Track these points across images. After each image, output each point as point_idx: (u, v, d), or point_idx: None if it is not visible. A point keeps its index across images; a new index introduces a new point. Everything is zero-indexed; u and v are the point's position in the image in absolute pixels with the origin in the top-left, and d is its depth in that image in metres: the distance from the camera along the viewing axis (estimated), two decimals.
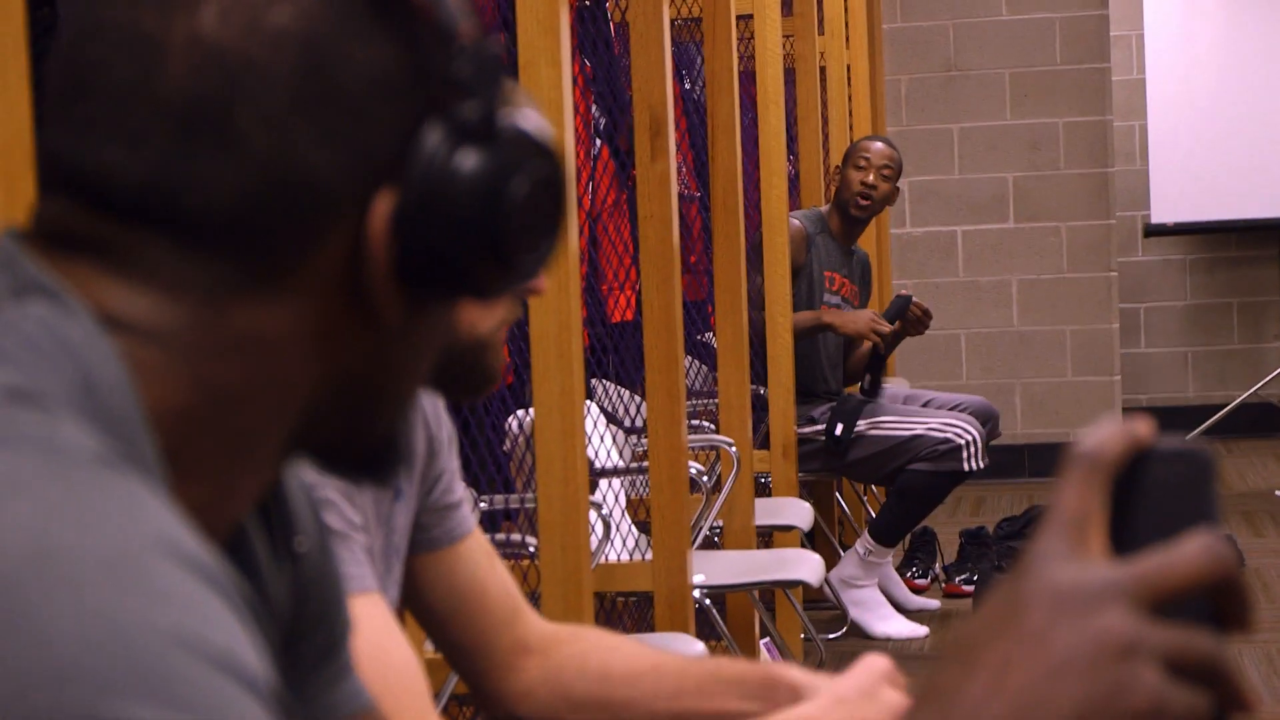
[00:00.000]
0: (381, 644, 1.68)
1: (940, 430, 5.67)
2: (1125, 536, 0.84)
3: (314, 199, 0.88)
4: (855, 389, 6.03)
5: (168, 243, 0.87)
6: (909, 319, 5.92)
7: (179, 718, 0.70)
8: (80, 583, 0.71)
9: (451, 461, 1.94)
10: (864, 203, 5.98)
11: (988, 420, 5.95)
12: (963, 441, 5.65)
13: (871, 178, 5.97)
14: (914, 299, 5.93)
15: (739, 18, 4.93)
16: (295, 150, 0.87)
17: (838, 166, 6.18)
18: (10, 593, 0.70)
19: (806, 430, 5.81)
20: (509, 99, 0.93)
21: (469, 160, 0.90)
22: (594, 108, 4.92)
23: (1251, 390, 9.98)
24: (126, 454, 0.81)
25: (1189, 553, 0.81)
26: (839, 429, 5.76)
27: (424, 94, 0.90)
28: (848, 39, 7.46)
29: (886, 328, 5.86)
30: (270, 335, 0.89)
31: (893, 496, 5.84)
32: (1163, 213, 10.05)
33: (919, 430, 5.69)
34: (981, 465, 5.69)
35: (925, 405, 6.07)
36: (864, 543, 5.88)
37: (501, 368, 1.81)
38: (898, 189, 6.13)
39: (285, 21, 0.87)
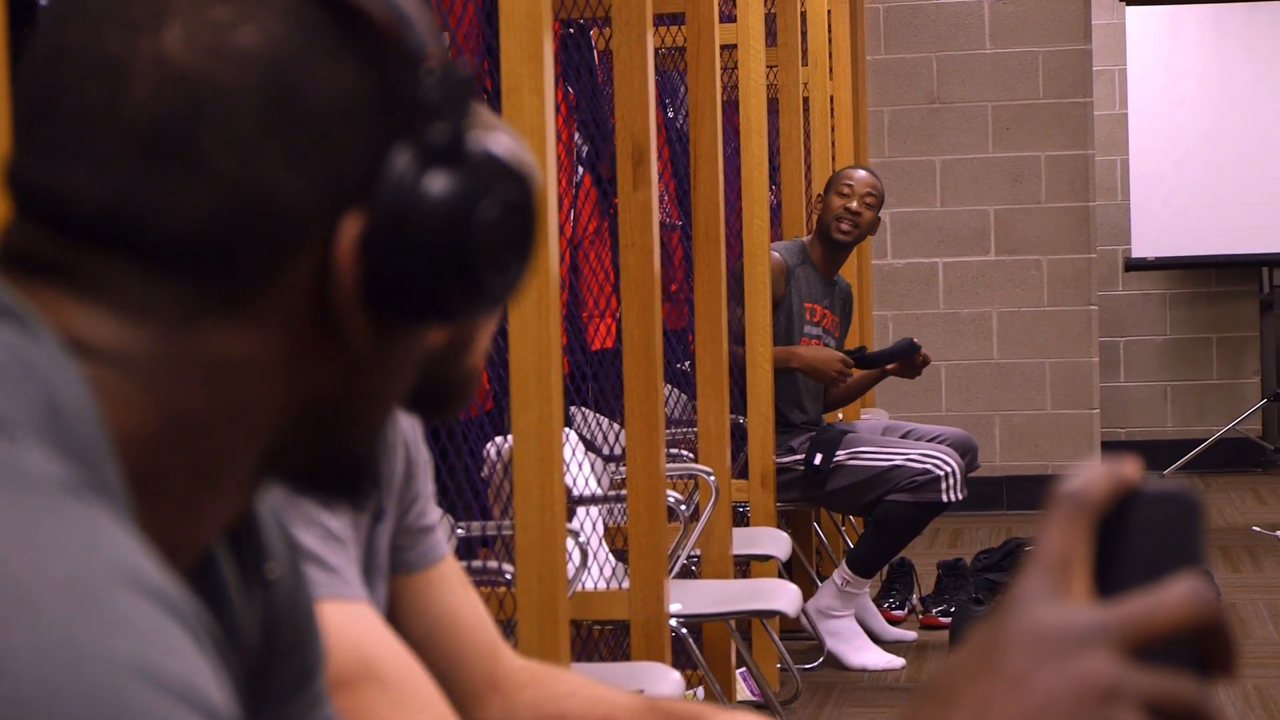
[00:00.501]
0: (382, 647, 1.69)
1: (919, 461, 5.68)
2: (1110, 578, 0.84)
3: (280, 222, 0.87)
4: (832, 417, 6.04)
5: (133, 266, 0.86)
6: (908, 364, 5.97)
7: None
8: (37, 611, 0.70)
9: (427, 486, 1.94)
10: (846, 229, 5.99)
11: (966, 452, 5.96)
12: (942, 473, 5.66)
13: (855, 204, 5.99)
14: (921, 350, 5.97)
15: (723, 47, 4.94)
16: (261, 173, 0.86)
17: (819, 195, 6.19)
18: None
19: (786, 460, 5.82)
20: (479, 121, 0.93)
21: (437, 183, 0.89)
22: (577, 135, 4.93)
23: (1230, 425, 10.01)
24: (91, 480, 0.80)
25: (1174, 596, 0.81)
26: (818, 459, 5.76)
27: (391, 117, 0.89)
28: (831, 70, 7.48)
29: (852, 372, 5.90)
30: (237, 359, 0.88)
31: (871, 527, 5.84)
32: (1143, 247, 10.09)
33: (898, 461, 5.70)
34: (960, 497, 5.70)
35: (904, 436, 6.07)
36: (841, 573, 5.88)
37: (474, 385, 1.81)
38: (879, 218, 6.15)
39: (250, 43, 0.87)
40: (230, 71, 0.86)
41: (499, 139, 0.93)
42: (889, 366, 5.99)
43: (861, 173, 6.08)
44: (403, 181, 0.89)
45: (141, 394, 0.86)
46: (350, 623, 1.61)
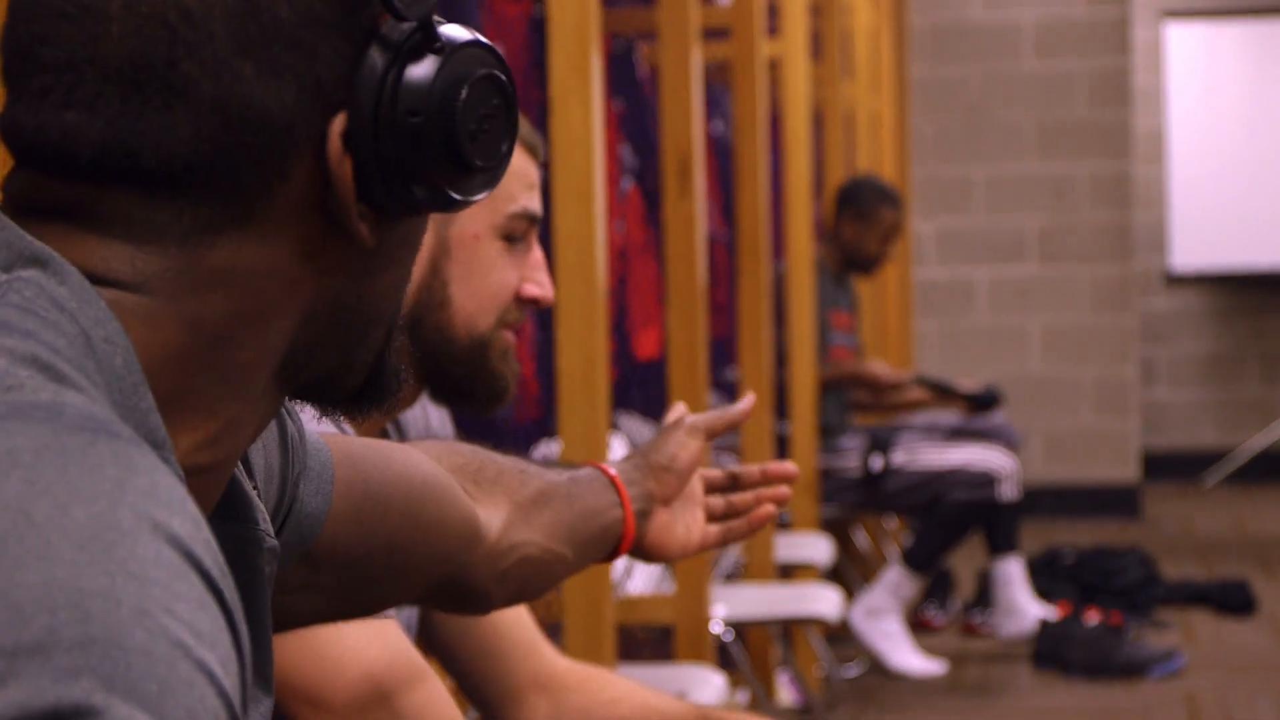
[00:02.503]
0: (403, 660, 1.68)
1: (979, 461, 5.81)
2: None
3: (269, 134, 0.90)
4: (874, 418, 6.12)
5: (137, 196, 0.90)
6: (981, 408, 6.13)
7: (130, 693, 0.70)
8: (52, 552, 0.72)
9: None
10: (863, 264, 6.14)
11: (1014, 448, 6.13)
12: (1001, 474, 5.79)
13: (875, 248, 6.10)
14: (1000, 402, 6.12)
15: (767, 62, 4.99)
16: (243, 90, 0.89)
17: (839, 203, 6.19)
18: None
19: (837, 464, 5.91)
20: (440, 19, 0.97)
21: (412, 72, 0.93)
22: (625, 147, 4.99)
23: (1269, 436, 10.02)
24: (127, 409, 0.84)
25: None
26: (876, 464, 5.87)
27: (359, 18, 0.92)
28: (875, 84, 7.53)
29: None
30: (250, 269, 0.92)
31: (930, 525, 5.91)
32: (1183, 260, 10.12)
33: (956, 461, 5.82)
34: (1015, 496, 5.83)
35: (954, 433, 6.19)
36: (895, 572, 5.94)
37: (515, 378, 1.84)
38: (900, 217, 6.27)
39: None
40: None
41: (461, 30, 0.97)
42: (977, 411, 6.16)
43: (890, 215, 6.10)
44: (379, 75, 0.92)
45: (165, 314, 0.90)
46: (368, 643, 1.61)
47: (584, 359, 2.87)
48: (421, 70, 0.93)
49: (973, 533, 5.94)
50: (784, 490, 1.64)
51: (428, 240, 1.82)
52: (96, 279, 0.89)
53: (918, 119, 9.00)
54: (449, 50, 0.94)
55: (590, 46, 2.85)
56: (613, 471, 1.55)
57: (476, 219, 1.83)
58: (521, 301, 1.85)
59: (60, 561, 0.72)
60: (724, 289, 6.02)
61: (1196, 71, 10.08)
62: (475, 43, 0.96)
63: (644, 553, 1.59)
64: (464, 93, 0.94)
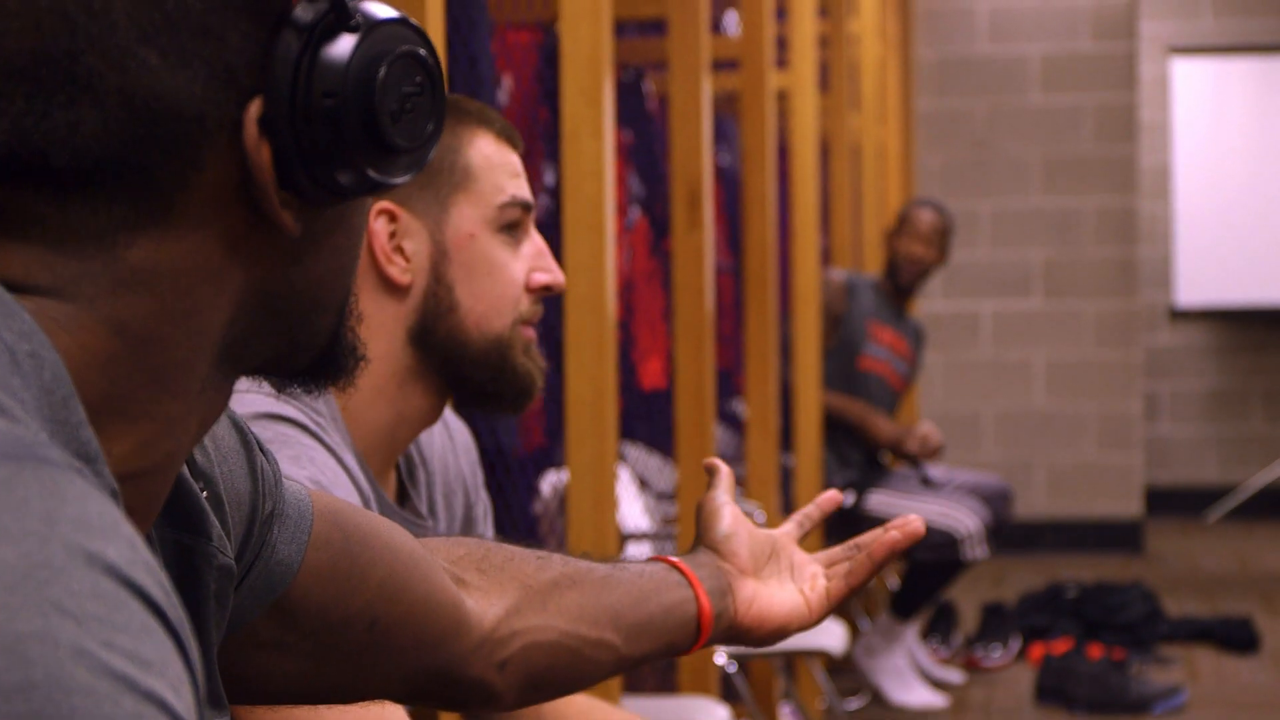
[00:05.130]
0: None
1: (939, 521, 5.73)
2: None
3: (180, 124, 0.87)
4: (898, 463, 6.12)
5: (47, 196, 0.87)
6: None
7: None
8: None
9: (487, 532, 1.97)
10: (912, 269, 6.11)
11: (1001, 502, 6.03)
12: (960, 535, 5.72)
13: (919, 250, 6.09)
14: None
15: (776, 93, 5.00)
16: (150, 80, 0.87)
17: (891, 230, 6.27)
18: None
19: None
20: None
21: (327, 52, 0.90)
22: (633, 176, 4.99)
23: (1272, 473, 10.01)
24: (57, 424, 0.81)
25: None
26: (849, 500, 5.83)
27: (270, 1, 0.90)
28: (881, 117, 7.54)
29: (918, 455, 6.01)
30: (174, 265, 0.89)
31: (905, 577, 5.93)
32: (1188, 296, 10.11)
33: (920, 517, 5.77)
34: (981, 555, 5.77)
35: (942, 485, 6.12)
36: (885, 616, 5.94)
37: (541, 372, 1.82)
38: (947, 251, 6.22)
39: None
40: None
41: (382, 7, 0.94)
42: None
43: (927, 214, 6.14)
44: (292, 58, 0.89)
45: (88, 319, 0.87)
46: None
47: (593, 389, 2.86)
48: (337, 50, 0.90)
49: (947, 586, 5.92)
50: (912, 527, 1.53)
51: (425, 247, 1.80)
52: (15, 287, 0.86)
53: (924, 152, 9.01)
54: (366, 28, 0.91)
55: (603, 78, 2.85)
56: (672, 558, 1.45)
57: (468, 217, 1.81)
58: (532, 292, 1.83)
59: None
60: (729, 320, 6.01)
61: (1203, 107, 10.08)
62: (395, 20, 0.93)
63: (748, 630, 1.46)
64: (382, 71, 0.91)
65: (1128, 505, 9.03)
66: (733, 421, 5.85)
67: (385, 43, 0.92)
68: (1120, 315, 8.97)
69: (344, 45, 0.90)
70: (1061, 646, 6.34)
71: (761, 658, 4.68)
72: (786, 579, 1.49)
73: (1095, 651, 6.19)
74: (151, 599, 0.74)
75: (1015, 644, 6.52)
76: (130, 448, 0.89)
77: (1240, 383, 10.25)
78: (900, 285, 6.13)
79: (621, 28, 4.89)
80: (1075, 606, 6.83)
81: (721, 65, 5.22)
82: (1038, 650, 6.42)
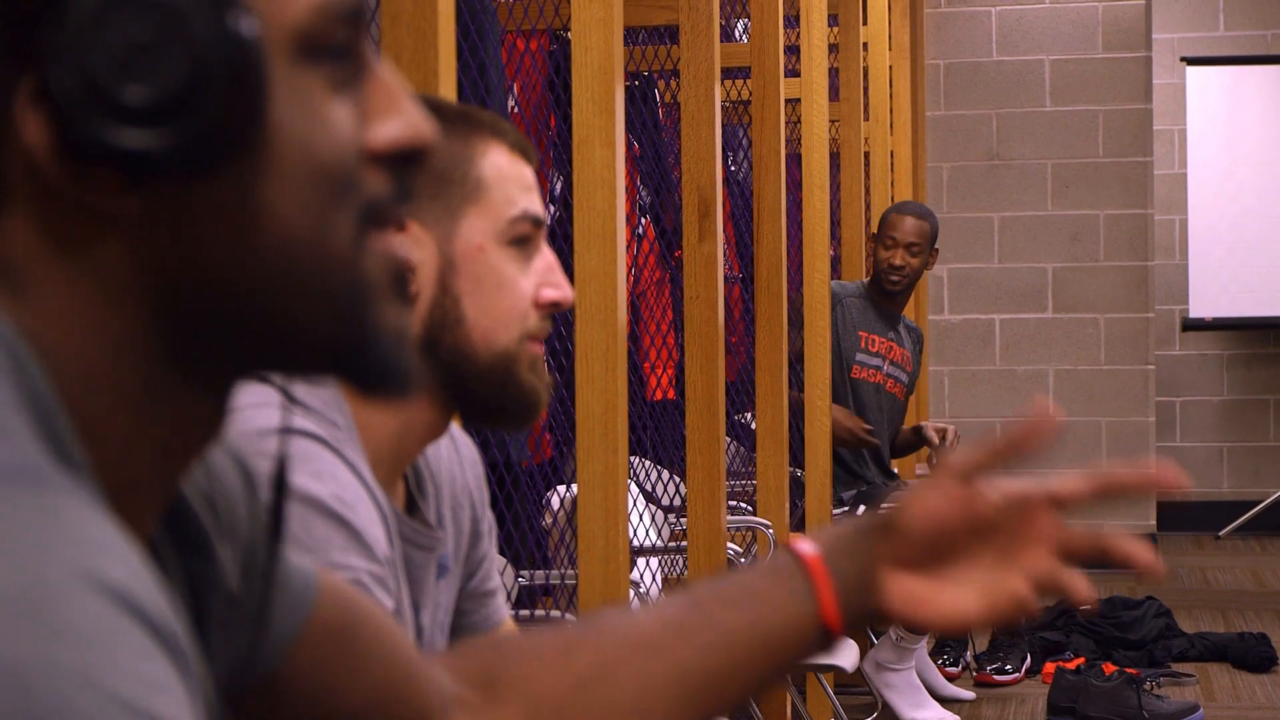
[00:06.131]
0: None
1: None
2: None
3: None
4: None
5: None
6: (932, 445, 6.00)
7: None
8: None
9: (492, 549, 1.95)
10: (895, 280, 6.03)
11: None
12: None
13: (899, 258, 6.00)
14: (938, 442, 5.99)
15: (786, 101, 4.96)
16: None
17: (873, 235, 6.20)
18: None
19: (835, 513, 5.82)
20: None
21: (66, 13, 0.81)
22: (640, 185, 4.95)
23: None
24: (48, 433, 0.79)
25: None
26: (860, 514, 5.78)
27: None
28: (892, 125, 7.50)
29: (870, 441, 5.91)
30: (23, 254, 0.83)
31: None
32: (1201, 307, 10.06)
33: None
34: None
35: None
36: (896, 629, 5.88)
37: (547, 388, 1.78)
38: (933, 254, 6.11)
39: None
40: None
41: None
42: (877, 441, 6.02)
43: (906, 219, 6.02)
44: (50, 25, 0.81)
45: None
46: None
47: (604, 401, 2.83)
48: (71, 6, 0.80)
49: None
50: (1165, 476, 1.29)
51: (432, 258, 1.76)
52: None
53: (934, 160, 8.96)
54: None
55: (615, 86, 2.82)
56: (811, 549, 1.30)
57: (478, 230, 1.77)
58: (541, 308, 1.79)
59: None
60: (737, 330, 5.96)
61: (1216, 117, 10.03)
62: None
63: (899, 619, 1.30)
64: (87, 23, 0.80)
65: (1140, 520, 8.97)
66: (741, 434, 5.80)
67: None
68: (1133, 327, 8.91)
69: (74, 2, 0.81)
70: (1074, 663, 6.28)
71: None
72: (981, 570, 1.30)
73: (1109, 668, 6.13)
74: (151, 617, 0.72)
75: (1027, 661, 6.46)
76: (91, 461, 0.83)
77: (1254, 395, 10.20)
78: (885, 293, 6.06)
79: (632, 35, 4.85)
80: (1088, 623, 6.78)
81: (732, 73, 5.19)
82: (1050, 667, 6.36)
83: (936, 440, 5.98)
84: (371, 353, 0.89)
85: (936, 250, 6.12)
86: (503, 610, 1.94)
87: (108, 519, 0.74)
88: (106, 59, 0.80)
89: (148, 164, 0.81)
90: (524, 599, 3.82)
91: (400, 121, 0.90)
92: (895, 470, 6.15)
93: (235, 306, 0.86)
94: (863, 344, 6.02)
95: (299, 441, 1.67)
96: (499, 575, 1.96)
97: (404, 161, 0.90)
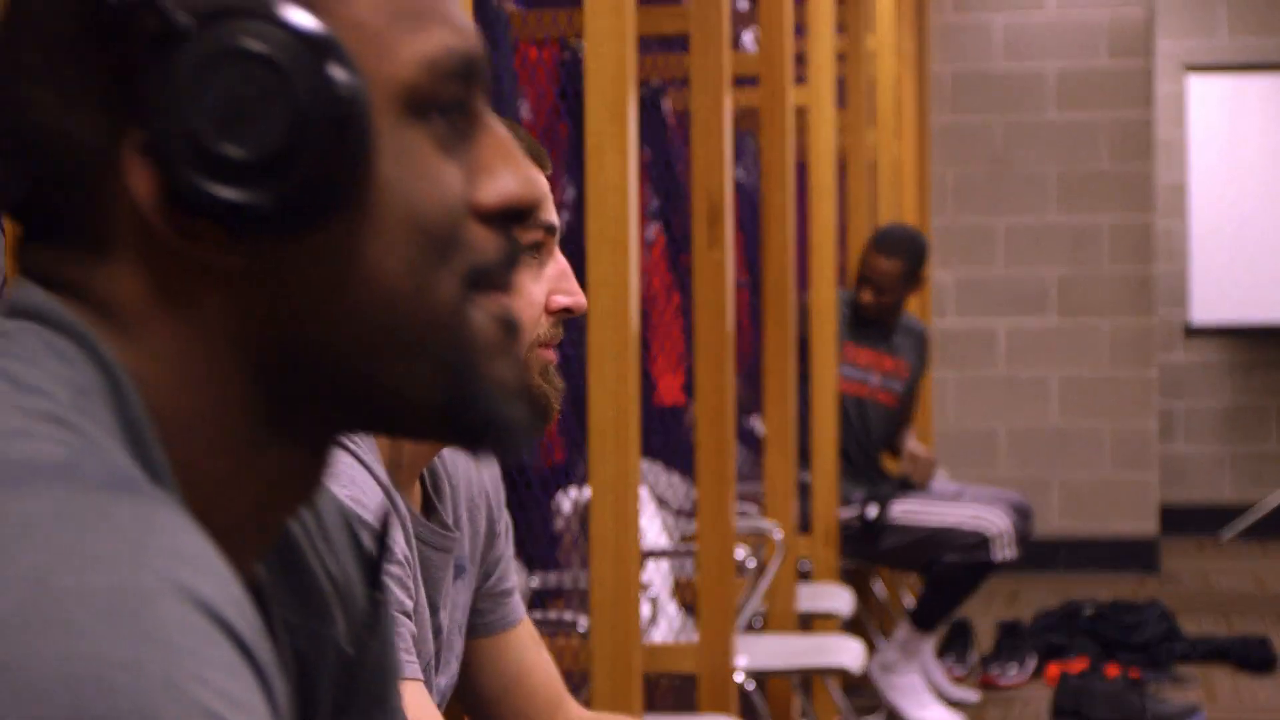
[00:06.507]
0: None
1: (970, 522, 5.72)
2: None
3: (66, 158, 0.85)
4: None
5: (34, 243, 0.87)
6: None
7: None
8: (74, 626, 0.69)
9: (508, 549, 1.97)
10: (868, 309, 5.98)
11: (1021, 515, 5.97)
12: (993, 533, 5.70)
13: (868, 295, 5.95)
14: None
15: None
16: (37, 116, 0.85)
17: (861, 256, 6.12)
18: (5, 637, 0.68)
19: (844, 514, 5.85)
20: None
21: (167, 64, 0.82)
22: (649, 191, 4.99)
23: None
24: (144, 463, 0.81)
25: None
26: (872, 512, 5.80)
27: (130, 22, 0.83)
28: (898, 132, 7.53)
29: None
30: (129, 302, 0.85)
31: (927, 585, 5.89)
32: (1203, 313, 10.09)
33: (949, 522, 5.75)
34: (1011, 555, 5.74)
35: (957, 498, 6.08)
36: (903, 629, 5.92)
37: (558, 394, 1.78)
38: (915, 280, 6.02)
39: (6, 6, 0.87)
40: None
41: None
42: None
43: (881, 261, 5.89)
44: (150, 78, 0.83)
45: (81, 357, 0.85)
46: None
47: (616, 406, 2.86)
48: (174, 61, 0.82)
49: (971, 593, 5.89)
50: None
51: None
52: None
53: (939, 168, 9.00)
54: (194, 34, 0.82)
55: (627, 94, 2.85)
56: None
57: None
58: (553, 314, 1.80)
59: (81, 633, 0.69)
60: (745, 336, 5.99)
61: (1218, 125, 10.07)
62: (234, 12, 0.82)
63: None
64: (192, 77, 0.82)
65: (1143, 524, 9.00)
66: (749, 438, 5.84)
67: (214, 44, 0.82)
68: (1136, 333, 8.95)
69: (179, 57, 0.82)
70: (1078, 666, 6.32)
71: (780, 676, 4.67)
72: None
73: (1112, 671, 6.16)
74: (241, 638, 0.72)
75: (1031, 663, 6.50)
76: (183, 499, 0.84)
77: (1256, 401, 10.23)
78: (867, 318, 6.00)
79: (641, 43, 4.89)
80: (1091, 625, 6.81)
81: (740, 81, 5.22)
82: (1054, 669, 6.40)
83: (909, 466, 5.98)
84: (477, 413, 0.88)
85: (922, 275, 6.01)
86: (520, 610, 1.96)
87: (203, 535, 0.75)
88: (210, 114, 0.82)
89: (249, 219, 0.83)
90: (536, 601, 3.86)
91: (510, 180, 0.89)
92: (889, 474, 6.15)
93: (335, 365, 0.86)
94: (847, 357, 5.98)
95: None
96: (515, 576, 1.99)
97: (512, 220, 0.89)
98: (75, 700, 0.67)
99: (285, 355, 0.86)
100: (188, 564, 0.72)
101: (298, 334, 0.86)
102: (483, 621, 1.92)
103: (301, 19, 0.83)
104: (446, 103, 0.87)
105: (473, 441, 0.90)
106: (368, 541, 1.05)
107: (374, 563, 1.04)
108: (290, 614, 0.96)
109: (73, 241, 0.85)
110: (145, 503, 0.74)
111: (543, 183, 1.83)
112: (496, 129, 0.89)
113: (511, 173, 0.89)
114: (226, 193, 0.82)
